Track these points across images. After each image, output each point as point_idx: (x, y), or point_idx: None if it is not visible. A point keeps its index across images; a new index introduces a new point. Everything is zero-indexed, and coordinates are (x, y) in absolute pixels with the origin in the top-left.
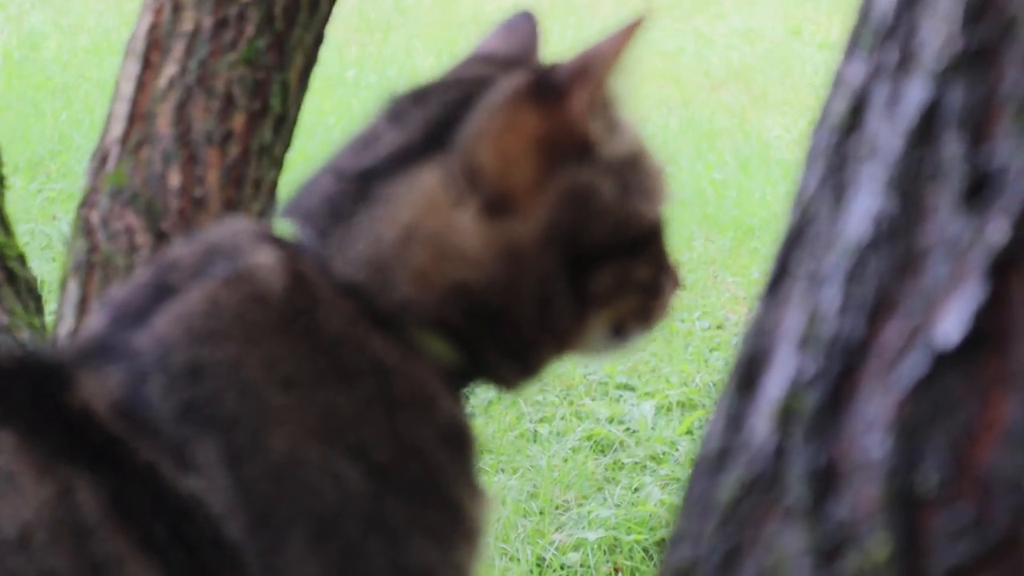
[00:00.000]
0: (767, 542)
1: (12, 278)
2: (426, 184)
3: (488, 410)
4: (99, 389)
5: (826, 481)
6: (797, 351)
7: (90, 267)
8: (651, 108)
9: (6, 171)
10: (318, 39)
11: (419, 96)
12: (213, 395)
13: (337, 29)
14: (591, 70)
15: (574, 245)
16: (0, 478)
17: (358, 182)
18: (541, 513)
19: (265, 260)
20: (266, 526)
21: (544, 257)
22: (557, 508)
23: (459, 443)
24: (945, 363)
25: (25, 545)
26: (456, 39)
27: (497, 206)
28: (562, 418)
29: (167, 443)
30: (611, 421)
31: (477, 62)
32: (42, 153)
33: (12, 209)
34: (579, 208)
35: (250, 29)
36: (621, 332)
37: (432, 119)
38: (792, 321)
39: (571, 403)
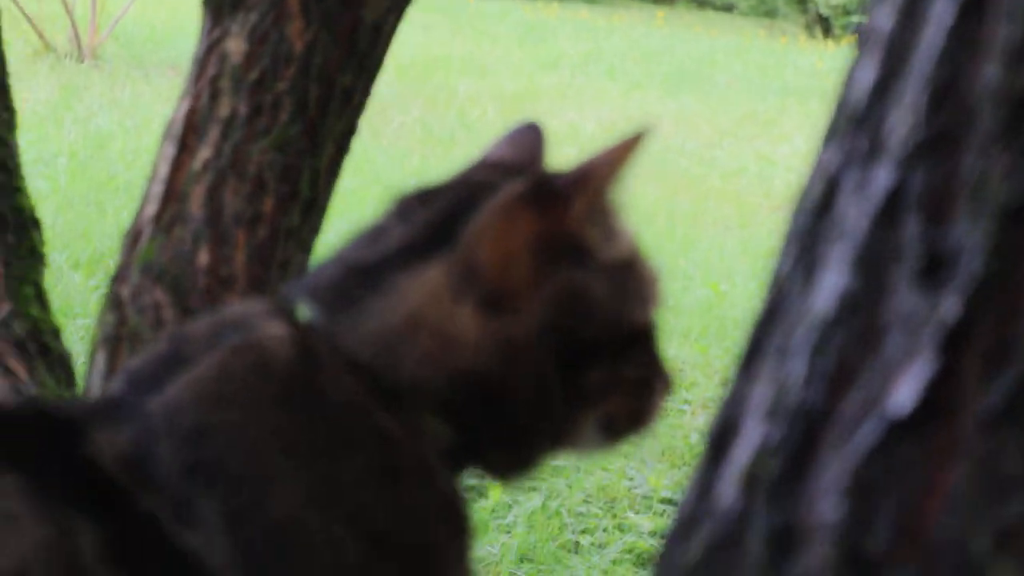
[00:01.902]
0: None
1: (46, 351)
2: (430, 278)
3: (530, 519)
4: (109, 444)
5: (784, 543)
6: (764, 421)
7: (118, 340)
8: (710, 227)
9: (67, 265)
10: (350, 129)
11: (426, 196)
12: (218, 457)
13: (400, 139)
14: (591, 179)
15: (568, 343)
16: (1, 519)
17: (366, 272)
18: None
19: (275, 331)
20: None
21: (539, 353)
22: None
23: (455, 522)
24: (897, 432)
25: None
26: None
27: (495, 303)
28: (604, 530)
29: (170, 498)
30: (654, 535)
31: (483, 168)
32: (102, 250)
33: (70, 304)
34: (573, 309)
35: (284, 116)
36: (612, 431)
37: (437, 218)
38: (761, 393)
39: (614, 515)
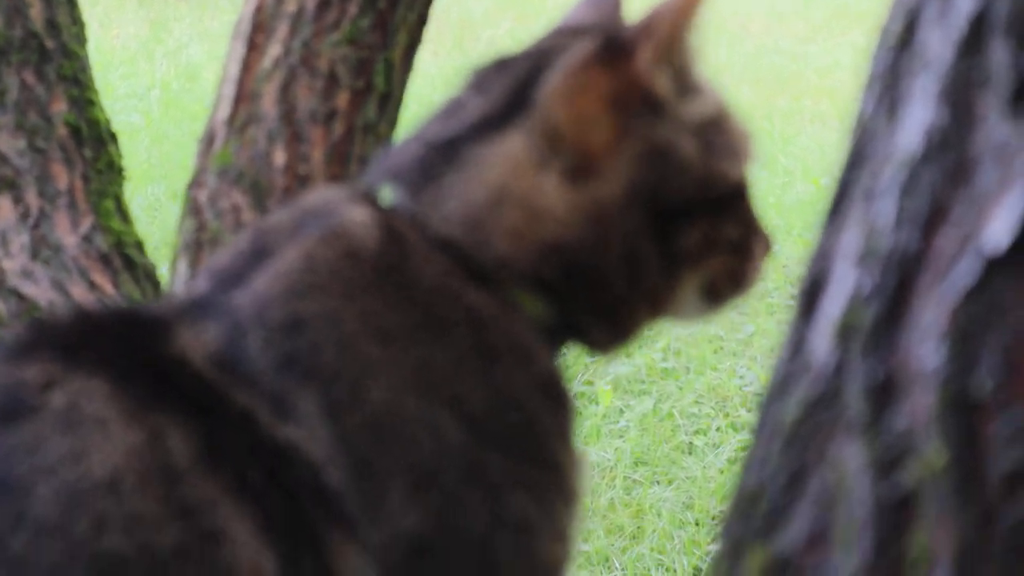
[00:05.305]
0: (829, 460)
1: (130, 264)
2: (511, 148)
3: (643, 423)
4: (196, 341)
5: (884, 394)
6: (855, 268)
7: (199, 246)
8: (808, 123)
9: (165, 197)
10: (422, 19)
11: (501, 66)
12: (312, 348)
13: (490, 53)
14: (654, 27)
15: (658, 203)
16: (91, 424)
17: (446, 148)
18: (697, 524)
19: (359, 217)
20: (366, 475)
21: (629, 216)
22: (713, 519)
23: (555, 398)
24: (995, 268)
25: (114, 489)
26: None
27: (578, 168)
28: (717, 429)
29: (264, 393)
30: None
31: (558, 33)
32: None
33: (167, 235)
34: (659, 166)
35: (353, 8)
36: (713, 295)
37: (513, 86)
38: (850, 239)
39: (727, 415)
